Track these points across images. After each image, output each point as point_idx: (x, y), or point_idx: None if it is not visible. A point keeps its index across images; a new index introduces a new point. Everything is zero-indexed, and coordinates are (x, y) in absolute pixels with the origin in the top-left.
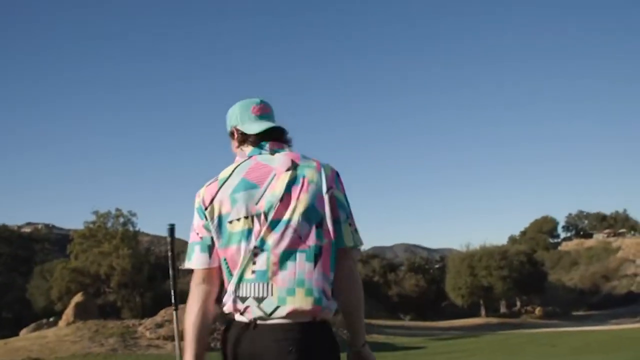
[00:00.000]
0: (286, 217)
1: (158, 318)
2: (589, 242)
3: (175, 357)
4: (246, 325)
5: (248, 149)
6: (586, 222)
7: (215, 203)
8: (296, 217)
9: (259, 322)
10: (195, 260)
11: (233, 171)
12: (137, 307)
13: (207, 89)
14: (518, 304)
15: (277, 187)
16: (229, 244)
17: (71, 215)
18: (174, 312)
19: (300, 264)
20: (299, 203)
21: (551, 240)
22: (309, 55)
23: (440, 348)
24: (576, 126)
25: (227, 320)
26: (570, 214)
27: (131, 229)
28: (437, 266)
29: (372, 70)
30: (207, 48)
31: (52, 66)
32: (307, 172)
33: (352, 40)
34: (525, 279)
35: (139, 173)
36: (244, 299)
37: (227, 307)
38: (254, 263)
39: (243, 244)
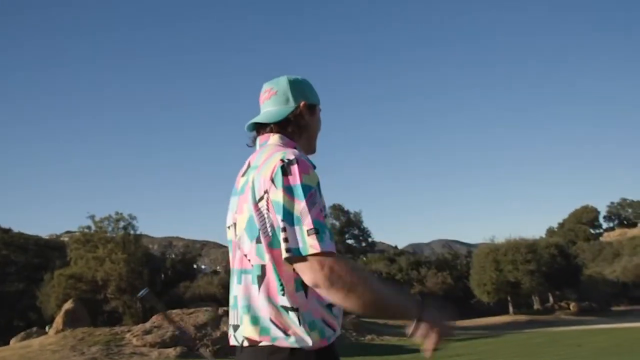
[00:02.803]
0: (236, 232)
1: (148, 324)
2: (632, 232)
3: None
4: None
5: None
6: (630, 210)
7: None
8: (239, 232)
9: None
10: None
11: None
12: (138, 313)
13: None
14: (551, 299)
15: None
16: None
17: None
18: None
19: (247, 287)
20: (240, 216)
21: (592, 231)
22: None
23: (454, 350)
24: (616, 110)
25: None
26: (612, 203)
27: (132, 232)
28: (464, 262)
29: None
30: (214, 45)
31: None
32: (252, 176)
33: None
34: (557, 272)
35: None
36: None
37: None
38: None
39: None
